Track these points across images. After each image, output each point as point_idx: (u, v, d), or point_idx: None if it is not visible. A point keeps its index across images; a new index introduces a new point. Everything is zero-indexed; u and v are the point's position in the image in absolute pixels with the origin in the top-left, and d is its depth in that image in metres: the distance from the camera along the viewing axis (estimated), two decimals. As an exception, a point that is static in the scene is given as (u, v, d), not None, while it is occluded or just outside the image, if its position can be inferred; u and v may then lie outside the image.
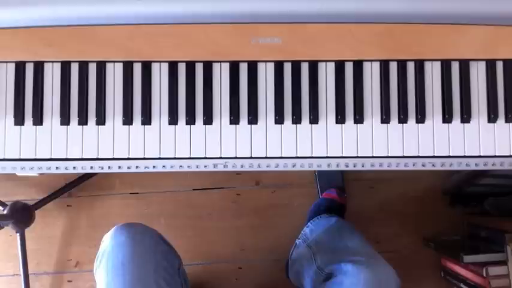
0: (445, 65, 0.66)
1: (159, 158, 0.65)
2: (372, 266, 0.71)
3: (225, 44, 0.65)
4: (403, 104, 0.65)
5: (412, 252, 1.25)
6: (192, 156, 0.65)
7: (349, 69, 0.66)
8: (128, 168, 0.65)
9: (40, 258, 1.25)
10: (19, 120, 0.65)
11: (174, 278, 0.74)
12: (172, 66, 0.65)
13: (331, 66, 0.66)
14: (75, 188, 1.24)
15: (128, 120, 0.65)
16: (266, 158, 0.65)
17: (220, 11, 0.64)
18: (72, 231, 1.25)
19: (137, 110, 0.65)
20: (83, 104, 0.65)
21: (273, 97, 0.65)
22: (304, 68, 0.66)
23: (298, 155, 0.65)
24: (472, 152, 0.65)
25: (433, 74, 0.66)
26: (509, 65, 0.66)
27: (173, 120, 0.65)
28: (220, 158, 0.65)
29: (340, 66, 0.66)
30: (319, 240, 0.88)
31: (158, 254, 0.72)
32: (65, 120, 0.65)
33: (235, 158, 0.65)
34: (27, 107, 0.65)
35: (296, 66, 0.66)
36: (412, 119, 0.66)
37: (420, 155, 0.65)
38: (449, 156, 0.65)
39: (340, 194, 1.17)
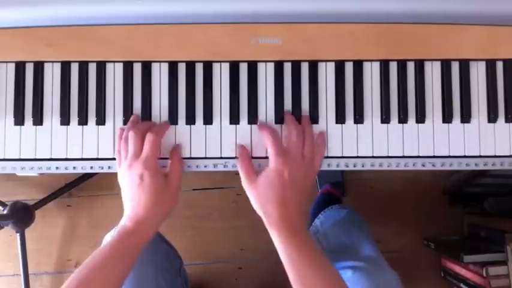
0: (445, 65, 0.66)
1: (159, 158, 0.65)
2: (372, 274, 0.69)
3: (225, 44, 0.65)
4: (403, 104, 0.65)
5: (412, 252, 1.25)
6: (192, 156, 0.65)
7: (349, 69, 0.66)
8: (128, 168, 0.65)
9: (40, 258, 1.25)
10: (19, 120, 0.65)
11: (175, 278, 0.74)
12: (172, 66, 0.65)
13: (331, 66, 0.66)
14: (75, 188, 1.24)
15: (128, 120, 0.65)
16: (266, 158, 0.65)
17: (221, 11, 0.64)
18: (72, 231, 1.25)
19: (137, 110, 0.65)
20: (83, 104, 0.65)
21: (273, 97, 0.65)
22: (304, 68, 0.66)
23: (298, 155, 0.65)
24: (472, 152, 0.65)
25: (433, 74, 0.66)
26: (509, 65, 0.66)
27: (173, 120, 0.65)
28: (220, 158, 0.65)
29: (340, 66, 0.66)
30: (328, 235, 0.86)
31: (159, 254, 0.72)
32: (65, 120, 0.65)
33: (236, 158, 0.65)
34: (27, 107, 0.65)
35: (296, 66, 0.65)
36: (412, 119, 0.66)
37: (420, 155, 0.65)
38: (449, 156, 0.65)
39: (334, 186, 1.16)
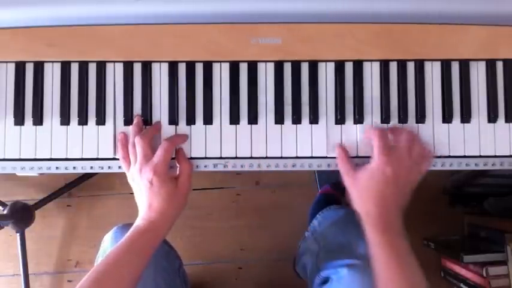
0: (445, 65, 0.66)
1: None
2: (368, 272, 0.67)
3: (225, 44, 0.65)
4: (403, 104, 0.65)
5: (412, 252, 1.25)
6: (192, 156, 0.65)
7: (349, 69, 0.66)
8: (128, 168, 0.65)
9: (40, 258, 1.25)
10: (19, 120, 0.65)
11: (174, 278, 0.74)
12: (172, 66, 0.65)
13: (331, 66, 0.66)
14: (75, 188, 1.24)
15: (128, 120, 0.65)
16: (266, 158, 0.65)
17: (221, 11, 0.64)
18: (72, 231, 1.25)
19: (137, 110, 0.65)
20: (83, 104, 0.65)
21: (273, 97, 0.65)
22: (304, 68, 0.66)
23: (298, 155, 0.65)
24: (472, 152, 0.65)
25: (433, 74, 0.66)
26: (509, 65, 0.66)
27: (173, 120, 0.65)
28: (220, 158, 0.65)
29: (340, 66, 0.66)
30: (326, 235, 0.85)
31: (159, 254, 0.72)
32: (65, 120, 0.65)
33: (235, 158, 0.65)
34: (27, 107, 0.65)
35: (296, 66, 0.65)
36: (412, 119, 0.66)
37: (420, 155, 0.65)
38: (449, 156, 0.65)
39: (333, 187, 1.16)
